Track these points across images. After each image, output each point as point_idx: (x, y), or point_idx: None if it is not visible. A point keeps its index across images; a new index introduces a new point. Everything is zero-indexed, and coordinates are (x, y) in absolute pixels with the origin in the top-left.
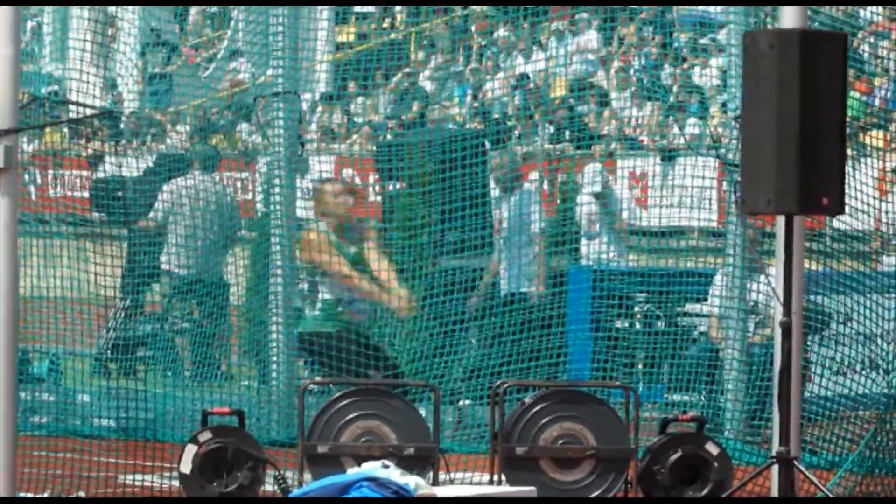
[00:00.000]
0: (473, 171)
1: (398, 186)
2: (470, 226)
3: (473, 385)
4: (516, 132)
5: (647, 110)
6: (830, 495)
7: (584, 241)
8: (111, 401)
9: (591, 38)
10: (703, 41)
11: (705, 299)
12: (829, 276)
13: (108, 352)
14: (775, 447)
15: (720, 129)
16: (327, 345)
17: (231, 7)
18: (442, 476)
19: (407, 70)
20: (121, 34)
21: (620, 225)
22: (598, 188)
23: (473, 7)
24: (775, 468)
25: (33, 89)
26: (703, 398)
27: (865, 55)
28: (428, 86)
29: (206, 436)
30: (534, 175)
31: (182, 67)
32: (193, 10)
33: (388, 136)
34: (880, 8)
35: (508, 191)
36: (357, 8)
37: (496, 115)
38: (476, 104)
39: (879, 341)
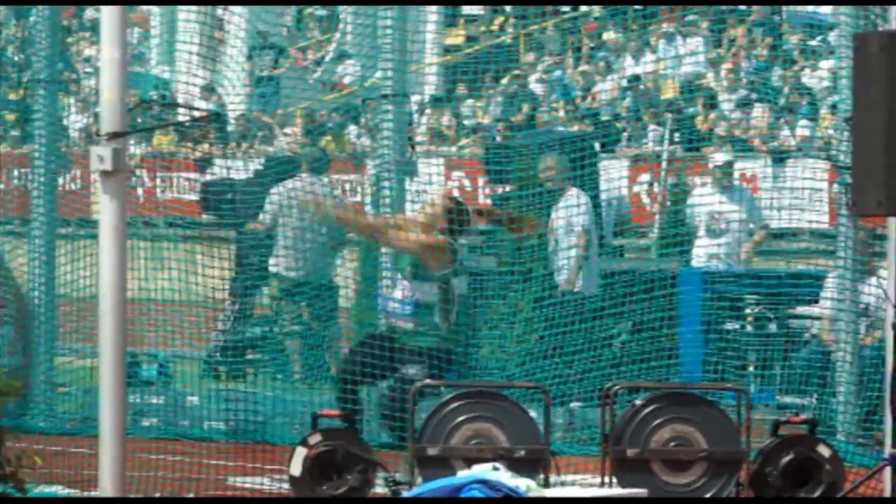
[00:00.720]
0: (582, 173)
1: (507, 189)
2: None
3: (584, 387)
4: (625, 134)
5: (757, 112)
6: None
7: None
8: (220, 403)
9: (699, 40)
10: (812, 43)
11: (817, 301)
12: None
13: (218, 354)
14: (888, 449)
15: (831, 131)
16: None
17: (339, 9)
18: (552, 478)
19: (516, 72)
20: (228, 37)
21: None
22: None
23: (582, 8)
24: (888, 470)
25: (141, 92)
26: (814, 400)
27: None
28: (537, 88)
29: (316, 438)
30: (644, 177)
31: (290, 70)
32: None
33: (497, 139)
34: None
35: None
36: (466, 10)
37: (605, 117)
38: (585, 106)
39: None
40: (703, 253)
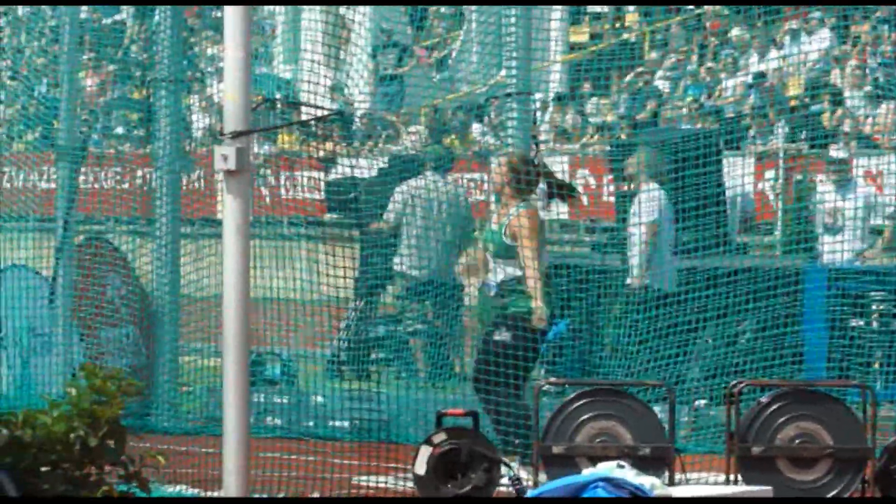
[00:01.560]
0: (708, 171)
1: (630, 187)
2: (704, 225)
3: (709, 385)
4: (751, 131)
5: (882, 109)
6: None
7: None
8: (345, 403)
9: (824, 36)
10: None
11: None
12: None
13: (342, 354)
14: None
15: None
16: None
17: (464, 7)
18: (677, 476)
19: (640, 70)
20: (352, 35)
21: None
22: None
23: (706, 7)
24: None
25: (266, 92)
26: None
27: None
28: (661, 85)
29: (440, 437)
30: (769, 174)
31: (414, 68)
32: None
33: (622, 136)
34: None
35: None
36: (590, 8)
37: (730, 114)
38: (710, 103)
39: None
40: (827, 250)
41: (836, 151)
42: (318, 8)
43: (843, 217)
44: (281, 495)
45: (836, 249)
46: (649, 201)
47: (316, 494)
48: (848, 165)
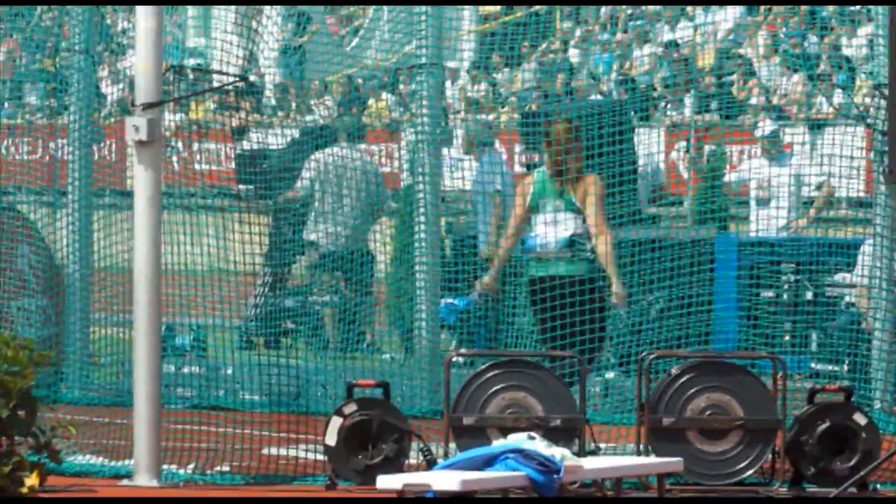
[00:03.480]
0: (621, 139)
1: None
2: (614, 196)
3: (620, 355)
4: (663, 103)
5: (793, 80)
6: None
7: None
8: (256, 373)
9: (736, 8)
10: (852, 9)
11: (853, 269)
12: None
13: (253, 325)
14: None
15: (867, 99)
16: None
17: None
18: (588, 447)
19: (552, 40)
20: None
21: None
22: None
23: None
24: None
25: (176, 62)
26: (850, 368)
27: None
28: (573, 56)
29: (351, 408)
30: (680, 145)
31: (319, 35)
32: None
33: (533, 107)
34: None
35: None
36: None
37: (643, 86)
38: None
39: None
40: (756, 222)
41: (767, 124)
42: None
43: (769, 188)
44: (191, 467)
45: (763, 221)
46: (492, 168)
47: (226, 466)
48: (779, 138)
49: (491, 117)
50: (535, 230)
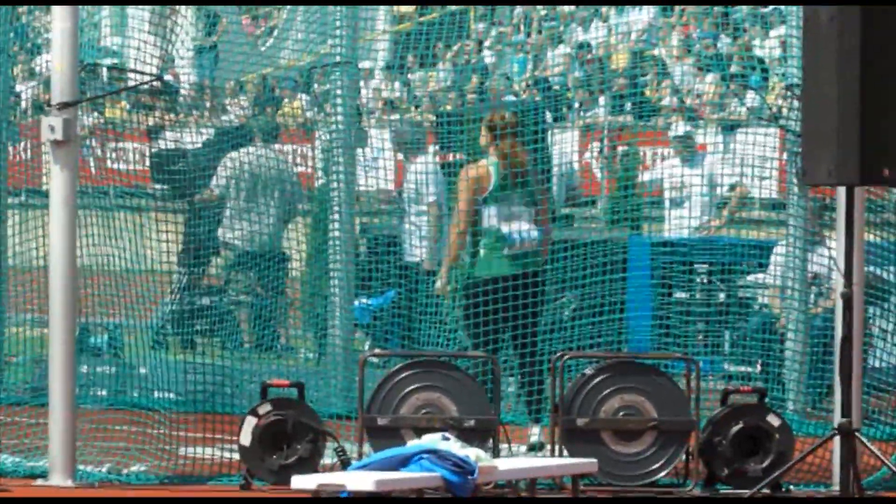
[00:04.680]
0: (533, 140)
1: (457, 157)
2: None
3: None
4: (576, 104)
5: (706, 81)
6: (893, 468)
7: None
8: (171, 373)
9: (649, 9)
10: (765, 10)
11: (767, 270)
12: (890, 247)
13: (168, 325)
14: (836, 419)
15: (780, 100)
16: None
17: None
18: (502, 448)
19: (467, 41)
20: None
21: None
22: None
23: None
24: (836, 440)
25: (91, 61)
26: (763, 370)
27: None
28: (488, 57)
29: (265, 408)
30: (594, 146)
31: (233, 35)
32: None
33: (447, 107)
34: None
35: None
36: None
37: (556, 87)
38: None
39: None
40: (669, 223)
41: (680, 125)
42: None
43: (682, 190)
44: (105, 467)
45: (678, 223)
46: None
47: (141, 466)
48: (693, 139)
49: (406, 116)
50: (502, 224)
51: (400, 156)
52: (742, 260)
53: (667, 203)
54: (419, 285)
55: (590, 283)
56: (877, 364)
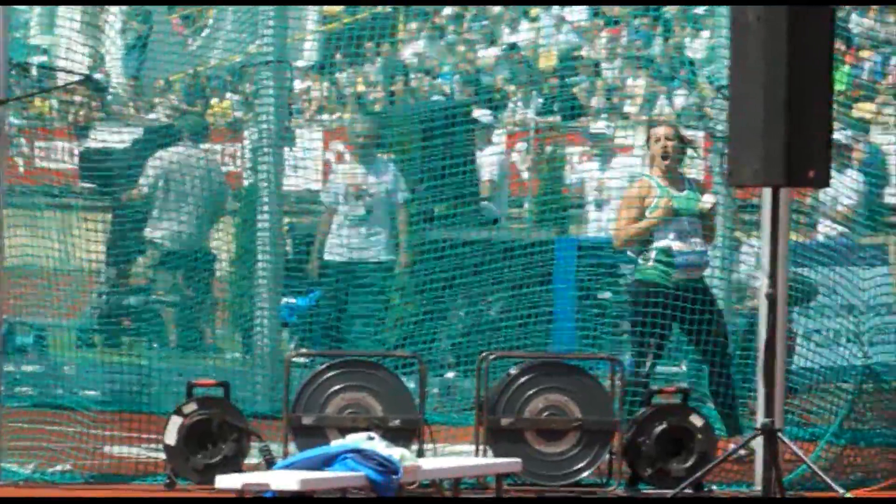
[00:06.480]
0: (461, 140)
1: (386, 156)
2: (457, 195)
3: (460, 356)
4: (505, 104)
5: (635, 82)
6: (813, 467)
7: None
8: (97, 372)
9: (578, 9)
10: (697, 11)
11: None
12: (814, 247)
13: (94, 323)
14: (760, 419)
15: (709, 101)
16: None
17: None
18: (427, 447)
19: (396, 40)
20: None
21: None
22: None
23: None
24: (759, 440)
25: (20, 60)
26: (687, 369)
27: (854, 28)
28: (416, 56)
29: (191, 407)
30: (521, 146)
31: (163, 35)
32: None
33: (376, 107)
34: None
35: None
36: None
37: (485, 86)
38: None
39: (857, 313)
40: (594, 224)
41: (595, 126)
42: None
43: (609, 190)
44: (31, 466)
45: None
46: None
47: (67, 465)
48: (610, 139)
49: (335, 116)
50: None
51: (348, 155)
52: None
53: (592, 205)
54: (340, 283)
55: (517, 283)
56: (803, 364)
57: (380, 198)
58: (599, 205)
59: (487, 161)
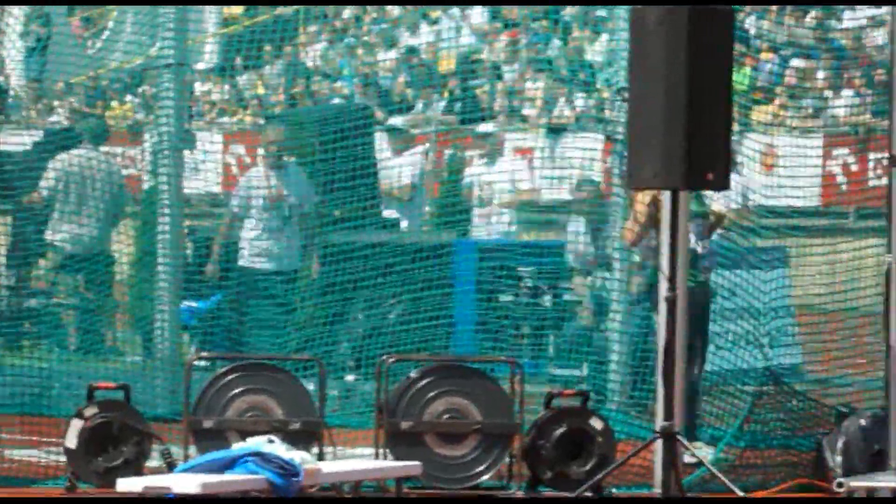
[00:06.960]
0: (362, 143)
1: (288, 160)
2: (357, 198)
3: (360, 359)
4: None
5: (534, 85)
6: (712, 469)
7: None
8: None
9: (479, 12)
10: (599, 14)
11: (590, 272)
12: (715, 251)
13: None
14: (659, 422)
15: (607, 104)
16: None
17: None
18: (327, 451)
19: (296, 43)
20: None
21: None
22: None
23: None
24: (659, 443)
25: None
26: (587, 372)
27: (752, 30)
28: (317, 59)
29: (91, 410)
30: (421, 147)
31: (63, 37)
32: None
33: (276, 110)
34: None
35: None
36: None
37: (385, 89)
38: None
39: (758, 315)
40: (483, 224)
41: (483, 126)
42: None
43: (491, 191)
44: None
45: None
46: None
47: None
48: (496, 139)
49: (234, 119)
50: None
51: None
52: (566, 262)
53: (488, 207)
54: (242, 287)
55: (418, 286)
56: (707, 368)
57: (291, 204)
58: (482, 206)
59: (407, 162)
